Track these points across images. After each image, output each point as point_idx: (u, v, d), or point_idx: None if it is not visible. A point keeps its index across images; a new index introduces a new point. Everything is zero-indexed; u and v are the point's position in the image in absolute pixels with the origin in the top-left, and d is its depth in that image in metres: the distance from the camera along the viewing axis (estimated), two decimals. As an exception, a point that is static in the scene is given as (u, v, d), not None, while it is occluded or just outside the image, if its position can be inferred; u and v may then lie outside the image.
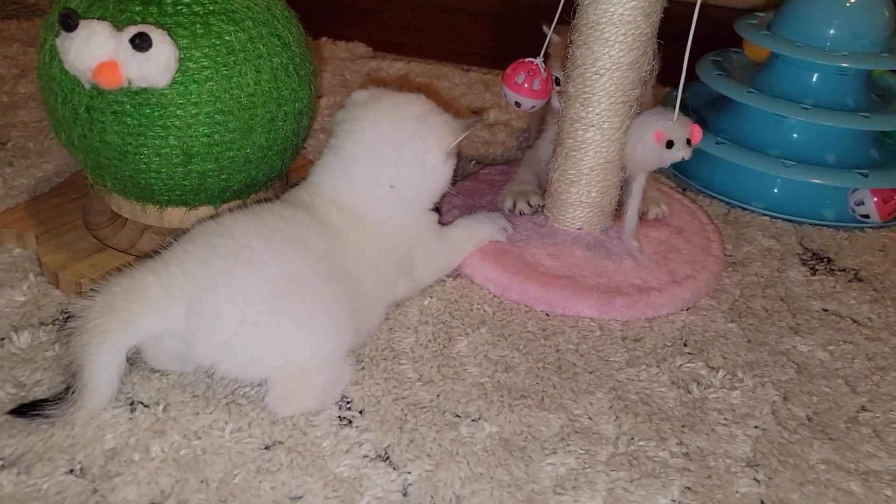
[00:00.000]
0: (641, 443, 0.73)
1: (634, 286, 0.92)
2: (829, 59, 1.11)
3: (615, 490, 0.68)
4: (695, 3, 0.84)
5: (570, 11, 0.92)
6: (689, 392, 0.80)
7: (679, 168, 1.25)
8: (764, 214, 1.15)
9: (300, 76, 0.90)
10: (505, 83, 1.04)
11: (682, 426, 0.76)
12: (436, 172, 0.85)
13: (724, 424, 0.76)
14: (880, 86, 1.24)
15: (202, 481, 0.66)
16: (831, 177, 1.10)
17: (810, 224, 1.13)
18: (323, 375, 0.74)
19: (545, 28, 1.01)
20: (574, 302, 0.90)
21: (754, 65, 1.29)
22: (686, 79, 0.90)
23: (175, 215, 0.90)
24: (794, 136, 1.16)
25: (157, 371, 0.77)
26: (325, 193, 0.83)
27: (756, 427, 0.76)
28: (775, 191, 1.15)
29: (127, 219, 0.94)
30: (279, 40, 0.86)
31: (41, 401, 0.69)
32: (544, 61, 1.02)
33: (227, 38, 0.81)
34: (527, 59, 1.03)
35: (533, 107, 1.04)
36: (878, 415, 0.79)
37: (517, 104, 1.04)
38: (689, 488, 0.69)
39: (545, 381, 0.80)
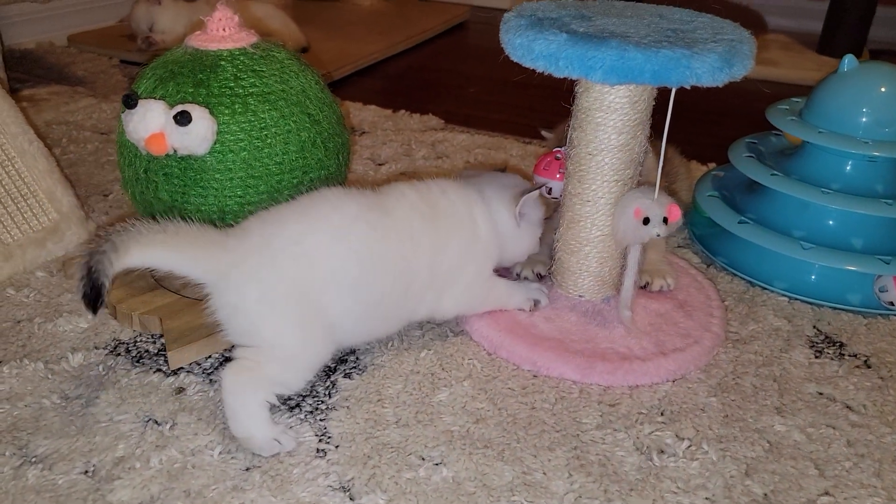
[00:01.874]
0: (586, 501, 0.78)
1: (618, 354, 0.96)
2: (853, 147, 1.12)
3: (545, 540, 0.73)
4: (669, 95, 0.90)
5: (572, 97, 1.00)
6: (650, 459, 0.84)
7: (705, 244, 1.28)
8: (784, 295, 1.15)
9: (327, 148, 1.02)
10: (535, 172, 1.13)
11: (631, 490, 0.80)
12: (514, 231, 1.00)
13: (673, 493, 0.79)
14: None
15: (185, 492, 0.77)
16: (851, 261, 1.10)
17: (831, 308, 1.13)
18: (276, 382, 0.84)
19: (543, 132, 1.12)
20: (557, 364, 0.95)
21: (793, 148, 1.31)
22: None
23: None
24: (821, 220, 1.17)
25: (178, 394, 0.90)
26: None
27: (707, 499, 0.79)
28: (798, 273, 1.16)
29: (182, 264, 1.09)
30: (309, 118, 1.00)
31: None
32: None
33: (261, 115, 0.96)
34: (554, 149, 1.12)
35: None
36: (839, 500, 0.79)
37: (549, 190, 1.12)
38: (617, 546, 0.72)
39: (511, 435, 0.86)
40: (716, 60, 0.83)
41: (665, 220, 0.93)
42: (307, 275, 0.84)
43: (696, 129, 1.86)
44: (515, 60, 0.91)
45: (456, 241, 0.94)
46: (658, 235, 0.94)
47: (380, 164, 1.58)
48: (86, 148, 1.58)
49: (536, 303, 1.03)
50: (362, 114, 1.87)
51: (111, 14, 2.42)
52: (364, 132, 1.76)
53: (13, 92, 1.82)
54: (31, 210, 1.15)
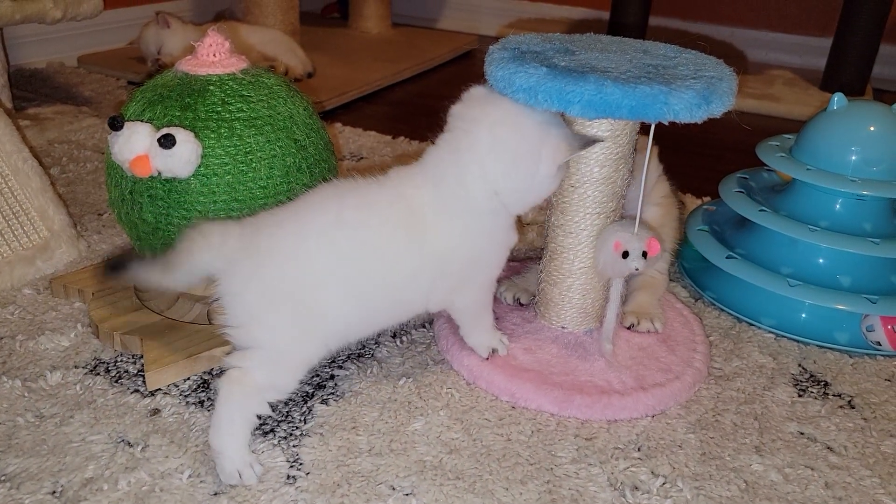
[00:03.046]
0: (554, 536, 0.77)
1: (597, 387, 0.96)
2: (841, 185, 1.12)
3: (508, 575, 0.72)
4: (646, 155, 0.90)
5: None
6: (623, 496, 0.83)
7: (694, 278, 1.27)
8: (771, 332, 1.15)
9: (313, 173, 1.03)
10: None
11: (601, 526, 0.79)
12: (542, 184, 0.88)
13: (644, 530, 0.78)
14: (910, 212, 1.23)
15: (151, 514, 0.77)
16: (837, 300, 1.10)
17: (818, 346, 1.12)
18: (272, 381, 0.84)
19: None
20: (535, 396, 0.95)
21: (783, 184, 1.31)
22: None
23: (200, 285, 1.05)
24: (809, 257, 1.17)
25: (153, 415, 0.90)
26: (421, 185, 0.89)
27: (677, 537, 0.78)
28: (785, 310, 1.15)
29: (168, 285, 1.10)
30: (295, 143, 1.01)
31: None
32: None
33: (247, 139, 0.97)
34: None
35: None
36: (813, 543, 0.78)
37: None
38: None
39: (484, 467, 0.86)
40: (693, 97, 0.83)
41: (644, 255, 0.93)
42: (302, 273, 0.83)
43: (696, 162, 1.87)
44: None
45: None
46: (637, 269, 0.93)
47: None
48: (85, 167, 1.60)
49: (494, 351, 1.00)
50: (361, 139, 1.88)
51: (121, 36, 2.46)
52: (362, 157, 1.77)
53: (19, 110, 1.85)
54: (21, 227, 1.17)
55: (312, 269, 0.84)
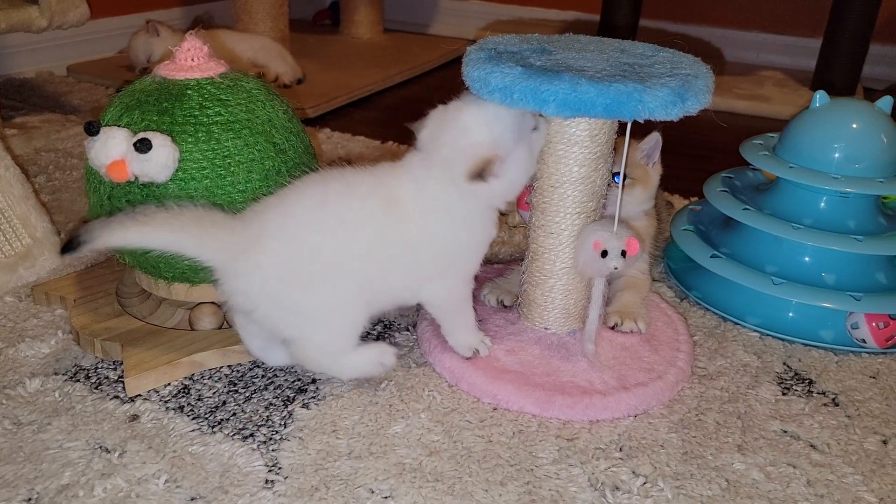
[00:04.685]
0: (533, 537, 0.76)
1: (579, 387, 0.95)
2: (823, 183, 1.12)
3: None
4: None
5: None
6: (604, 496, 0.82)
7: (680, 278, 1.27)
8: (756, 331, 1.14)
9: (293, 177, 1.03)
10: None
11: (580, 526, 0.78)
12: (509, 180, 0.89)
13: (624, 530, 0.78)
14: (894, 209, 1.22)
15: (126, 520, 0.76)
16: (821, 297, 1.09)
17: (803, 344, 1.12)
18: (320, 351, 0.92)
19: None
20: (517, 397, 0.94)
21: (768, 183, 1.31)
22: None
23: (180, 290, 1.05)
24: (793, 255, 1.16)
25: (131, 421, 0.90)
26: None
27: (657, 537, 0.77)
28: (770, 309, 1.15)
29: (150, 293, 1.09)
30: (274, 147, 1.00)
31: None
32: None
33: (225, 143, 0.96)
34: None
35: None
36: (794, 541, 0.78)
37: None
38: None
39: (464, 469, 0.85)
40: (668, 95, 0.83)
41: (623, 254, 0.93)
42: (302, 259, 0.88)
43: (686, 163, 1.86)
44: (475, 93, 0.92)
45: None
46: (616, 269, 0.93)
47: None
48: (71, 175, 1.59)
49: (476, 352, 1.00)
50: (350, 144, 1.88)
51: (110, 45, 2.46)
52: (350, 162, 1.76)
53: (7, 119, 1.85)
54: (3, 235, 1.16)
55: (304, 247, 0.88)
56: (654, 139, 1.12)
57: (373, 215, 0.90)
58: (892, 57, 2.65)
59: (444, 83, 2.54)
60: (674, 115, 0.84)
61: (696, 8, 2.88)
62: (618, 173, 1.06)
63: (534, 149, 0.92)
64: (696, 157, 1.94)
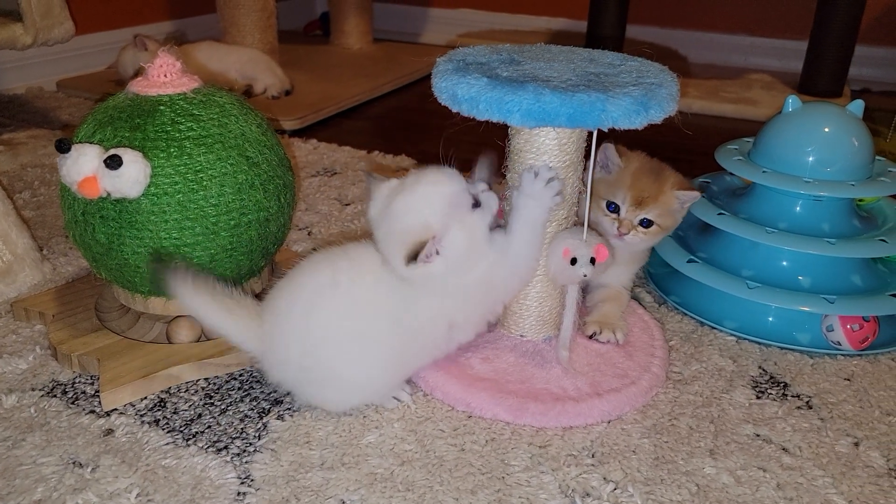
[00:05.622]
0: (501, 545, 0.77)
1: (552, 394, 0.96)
2: (794, 187, 1.13)
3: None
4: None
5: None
6: (574, 503, 0.83)
7: (658, 283, 1.27)
8: (732, 335, 1.15)
9: (267, 190, 1.04)
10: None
11: (549, 534, 0.78)
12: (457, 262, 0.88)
13: (592, 537, 0.78)
14: (871, 212, 1.23)
15: (97, 534, 0.77)
16: (795, 301, 1.10)
17: (779, 348, 1.12)
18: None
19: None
20: (490, 405, 0.95)
21: (744, 188, 1.31)
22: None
23: (157, 304, 1.05)
24: (769, 259, 1.17)
25: (106, 435, 0.90)
26: None
27: (625, 543, 0.78)
28: (747, 313, 1.15)
29: (129, 307, 1.10)
30: (247, 160, 1.01)
31: None
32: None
33: (197, 158, 0.97)
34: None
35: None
36: (762, 545, 0.78)
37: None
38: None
39: (435, 478, 0.85)
40: (631, 104, 0.83)
41: (593, 261, 0.93)
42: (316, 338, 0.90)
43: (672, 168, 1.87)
44: (443, 104, 0.92)
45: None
46: (585, 276, 0.94)
47: (346, 205, 1.59)
48: (56, 191, 1.60)
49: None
50: (336, 155, 1.89)
51: (100, 60, 2.48)
52: (335, 173, 1.78)
53: (-6, 136, 1.86)
54: (-17, 252, 1.17)
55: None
56: (603, 149, 1.09)
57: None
58: (879, 58, 2.66)
59: (431, 92, 2.55)
60: (637, 123, 0.85)
61: (683, 12, 2.89)
62: (612, 203, 1.07)
63: (479, 225, 0.90)
64: (681, 161, 1.93)
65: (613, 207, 1.09)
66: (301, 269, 0.93)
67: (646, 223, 1.08)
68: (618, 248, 1.06)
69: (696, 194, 1.10)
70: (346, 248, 0.94)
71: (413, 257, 0.85)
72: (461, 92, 0.88)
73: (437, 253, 0.86)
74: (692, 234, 1.30)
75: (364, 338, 0.90)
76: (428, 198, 0.87)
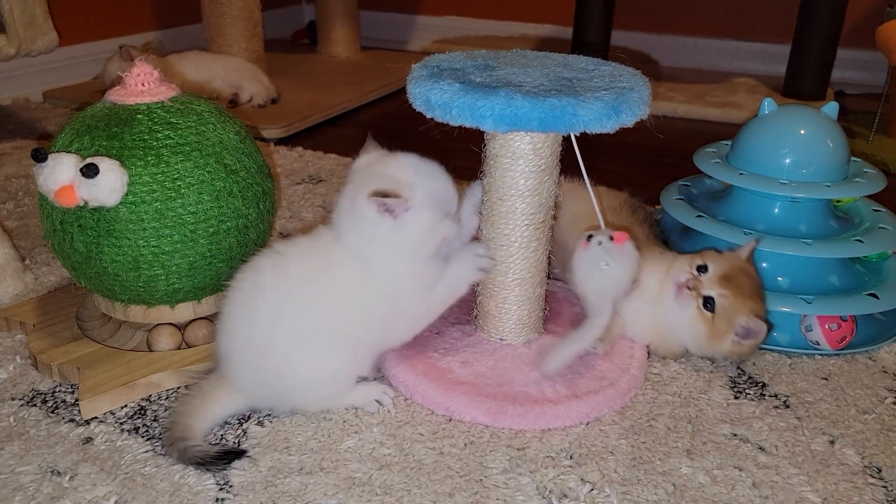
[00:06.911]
0: (477, 547, 0.77)
1: (530, 397, 0.96)
2: (770, 188, 1.14)
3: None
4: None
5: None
6: (551, 503, 0.83)
7: (639, 287, 1.28)
8: (712, 336, 1.15)
9: (245, 197, 1.04)
10: None
11: (525, 535, 0.79)
12: (389, 230, 0.89)
13: (568, 537, 0.79)
14: (848, 213, 1.24)
15: (73, 542, 0.77)
16: (773, 301, 1.10)
17: (759, 348, 1.12)
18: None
19: None
20: (469, 408, 0.95)
21: (723, 190, 1.32)
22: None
23: (137, 312, 1.06)
24: (748, 260, 1.18)
25: (85, 444, 0.91)
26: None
27: (601, 543, 0.78)
28: (725, 313, 1.16)
29: (111, 316, 1.10)
30: (225, 168, 1.02)
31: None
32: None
33: (174, 166, 0.98)
34: None
35: None
36: (736, 543, 0.78)
37: None
38: None
39: (413, 482, 0.86)
40: (602, 108, 0.84)
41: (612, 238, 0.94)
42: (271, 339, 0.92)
43: (655, 171, 1.88)
44: (418, 110, 0.93)
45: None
46: (606, 265, 0.93)
47: (330, 212, 1.60)
48: (41, 200, 1.61)
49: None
50: (321, 162, 1.90)
51: (87, 70, 2.48)
52: (321, 180, 1.78)
53: (-22, 147, 1.86)
54: (-36, 263, 1.17)
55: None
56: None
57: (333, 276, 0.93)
58: (861, 61, 2.68)
59: (418, 99, 2.56)
60: (608, 127, 0.86)
61: (669, 18, 2.91)
62: (705, 266, 1.04)
63: (444, 233, 0.92)
64: (666, 165, 1.96)
65: (702, 268, 1.04)
66: (232, 285, 0.96)
67: (709, 304, 1.01)
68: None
69: (758, 332, 1.01)
70: (273, 246, 0.96)
71: (380, 196, 0.86)
72: (434, 97, 0.88)
73: (395, 217, 0.88)
74: (674, 237, 1.31)
75: (301, 326, 0.91)
76: (425, 174, 0.91)
